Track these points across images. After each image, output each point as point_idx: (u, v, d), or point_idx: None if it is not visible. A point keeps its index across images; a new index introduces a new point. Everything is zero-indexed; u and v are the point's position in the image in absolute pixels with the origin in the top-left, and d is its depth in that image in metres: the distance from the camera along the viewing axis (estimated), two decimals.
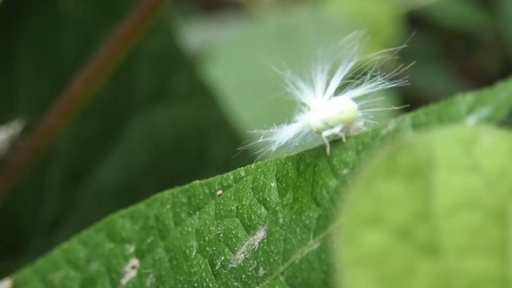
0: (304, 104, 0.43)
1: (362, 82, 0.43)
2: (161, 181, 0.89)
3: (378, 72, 0.43)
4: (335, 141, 0.41)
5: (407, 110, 0.40)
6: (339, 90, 0.44)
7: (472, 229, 0.30)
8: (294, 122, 0.44)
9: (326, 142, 0.41)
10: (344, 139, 0.41)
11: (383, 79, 0.42)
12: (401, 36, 1.49)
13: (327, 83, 0.43)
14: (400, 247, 0.29)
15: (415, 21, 1.61)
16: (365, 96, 0.42)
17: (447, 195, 0.31)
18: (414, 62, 0.43)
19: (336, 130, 0.42)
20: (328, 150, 0.41)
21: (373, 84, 0.43)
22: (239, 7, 1.60)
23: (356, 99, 0.43)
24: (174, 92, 0.90)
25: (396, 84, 0.41)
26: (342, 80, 0.43)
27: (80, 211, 0.83)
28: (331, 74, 0.44)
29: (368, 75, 0.43)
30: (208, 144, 0.93)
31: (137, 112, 0.88)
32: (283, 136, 0.43)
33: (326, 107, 0.42)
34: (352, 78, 0.43)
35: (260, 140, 0.44)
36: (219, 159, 0.93)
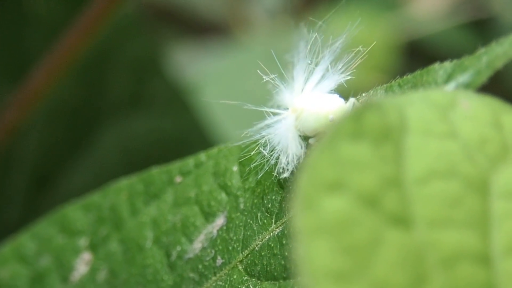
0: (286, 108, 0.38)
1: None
2: None
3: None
4: None
5: None
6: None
7: (448, 199, 0.27)
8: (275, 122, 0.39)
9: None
10: None
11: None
12: (399, 64, 1.47)
13: (307, 80, 0.39)
14: (365, 215, 0.25)
15: (416, 52, 1.59)
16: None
17: (420, 161, 0.27)
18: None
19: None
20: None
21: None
22: (227, 31, 1.57)
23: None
24: (150, 100, 0.87)
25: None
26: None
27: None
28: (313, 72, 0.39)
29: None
30: (185, 154, 0.89)
31: (110, 118, 0.84)
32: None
33: (310, 113, 0.37)
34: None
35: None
36: None
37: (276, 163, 0.37)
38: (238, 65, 1.31)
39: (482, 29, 1.57)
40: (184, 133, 0.90)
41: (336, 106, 0.37)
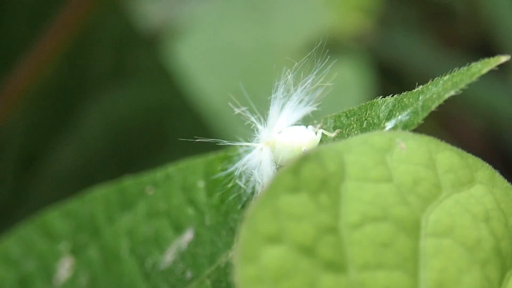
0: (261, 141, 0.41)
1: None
2: (120, 164, 0.88)
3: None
4: None
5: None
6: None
7: (379, 242, 0.30)
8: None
9: None
10: None
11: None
12: (381, 3, 1.47)
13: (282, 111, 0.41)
14: (302, 263, 0.28)
15: None
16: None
17: (354, 207, 0.30)
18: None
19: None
20: None
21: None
22: None
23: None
24: (132, 73, 0.89)
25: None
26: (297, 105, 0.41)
27: (36, 195, 0.82)
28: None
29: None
30: (169, 125, 0.91)
31: (93, 93, 0.86)
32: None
33: (284, 145, 0.40)
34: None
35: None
36: (180, 140, 0.91)
37: (238, 186, 0.40)
38: (221, 15, 1.30)
39: None
40: (167, 101, 0.92)
41: (308, 139, 0.40)
